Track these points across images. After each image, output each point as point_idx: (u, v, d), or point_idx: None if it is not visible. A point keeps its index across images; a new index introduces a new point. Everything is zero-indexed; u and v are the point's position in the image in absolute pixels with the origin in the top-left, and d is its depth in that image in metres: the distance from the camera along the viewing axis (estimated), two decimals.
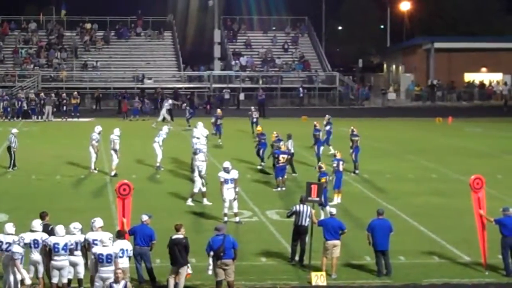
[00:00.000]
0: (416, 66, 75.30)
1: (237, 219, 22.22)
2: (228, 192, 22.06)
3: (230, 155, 32.82)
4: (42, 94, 53.55)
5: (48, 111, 51.21)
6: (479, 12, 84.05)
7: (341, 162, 25.39)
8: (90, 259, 15.88)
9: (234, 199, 22.13)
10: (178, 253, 15.91)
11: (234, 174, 22.28)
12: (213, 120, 40.33)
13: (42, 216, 16.68)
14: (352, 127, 32.10)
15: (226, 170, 22.27)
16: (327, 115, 37.13)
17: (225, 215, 22.14)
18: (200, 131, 30.35)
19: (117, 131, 30.01)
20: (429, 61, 74.14)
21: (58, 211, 22.24)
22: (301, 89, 64.40)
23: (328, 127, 35.75)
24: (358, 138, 31.20)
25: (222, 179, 22.12)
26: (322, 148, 32.86)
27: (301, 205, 18.45)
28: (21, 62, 65.27)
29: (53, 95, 53.54)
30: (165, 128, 31.54)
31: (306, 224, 18.35)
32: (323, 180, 22.16)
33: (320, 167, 23.53)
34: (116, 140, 29.50)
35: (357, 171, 30.16)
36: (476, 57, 73.11)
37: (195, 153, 27.58)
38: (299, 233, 18.42)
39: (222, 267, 15.84)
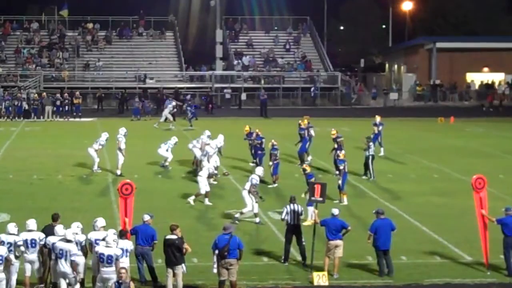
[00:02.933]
0: (418, 66, 75.21)
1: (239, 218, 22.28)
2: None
3: (231, 154, 32.81)
4: (44, 94, 53.52)
5: (48, 111, 51.20)
6: (481, 12, 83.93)
7: (345, 163, 25.44)
8: (92, 258, 15.89)
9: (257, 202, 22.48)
10: (172, 253, 15.94)
11: None
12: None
13: (55, 218, 16.54)
14: (333, 129, 31.16)
15: (260, 176, 22.98)
16: (377, 116, 35.56)
17: (256, 215, 22.26)
18: (206, 136, 29.98)
19: (122, 131, 30.05)
20: (431, 61, 74.02)
21: (60, 210, 22.06)
22: (313, 88, 64.45)
23: (380, 128, 34.38)
24: (341, 139, 30.21)
25: (255, 181, 22.41)
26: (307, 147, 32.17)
27: (292, 205, 18.54)
28: (23, 62, 65.20)
29: (58, 95, 53.43)
30: (174, 138, 31.26)
31: (298, 223, 18.45)
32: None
33: (304, 170, 23.59)
34: (120, 139, 29.54)
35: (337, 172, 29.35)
36: (478, 57, 72.94)
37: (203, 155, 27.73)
38: (292, 232, 18.45)
39: (227, 266, 15.85)
